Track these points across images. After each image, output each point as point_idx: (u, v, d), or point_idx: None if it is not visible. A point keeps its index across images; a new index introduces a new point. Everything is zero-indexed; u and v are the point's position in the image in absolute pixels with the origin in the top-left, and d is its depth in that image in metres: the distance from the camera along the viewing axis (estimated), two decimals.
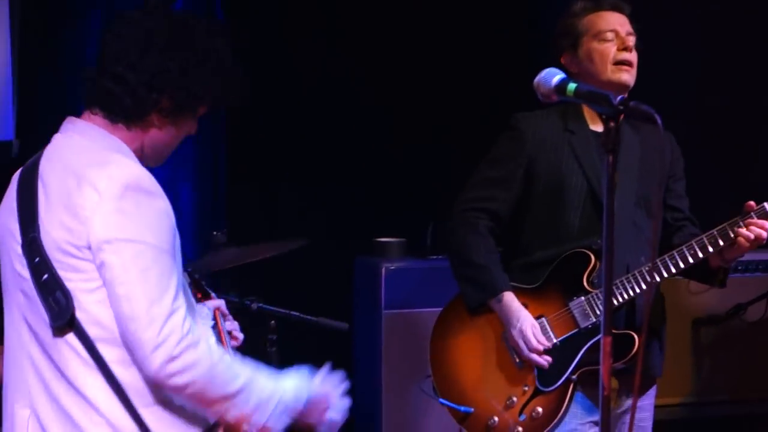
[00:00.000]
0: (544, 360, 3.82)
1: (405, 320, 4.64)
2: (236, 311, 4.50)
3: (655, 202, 3.98)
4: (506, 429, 3.94)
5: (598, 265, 3.95)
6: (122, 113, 2.91)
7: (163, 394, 2.87)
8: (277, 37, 6.22)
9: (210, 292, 3.59)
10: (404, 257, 5.27)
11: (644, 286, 3.83)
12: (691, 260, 3.81)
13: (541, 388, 3.89)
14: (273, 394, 2.94)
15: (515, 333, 3.86)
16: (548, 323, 3.89)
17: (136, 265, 2.80)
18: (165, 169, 5.94)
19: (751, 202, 3.78)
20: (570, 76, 2.96)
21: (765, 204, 3.78)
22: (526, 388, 3.91)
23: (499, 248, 4.11)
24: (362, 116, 5.96)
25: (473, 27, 6.55)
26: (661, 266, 3.86)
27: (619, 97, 2.74)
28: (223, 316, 3.42)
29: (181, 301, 2.86)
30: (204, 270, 4.87)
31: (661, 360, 4.07)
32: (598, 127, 3.97)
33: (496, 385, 3.89)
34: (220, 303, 3.45)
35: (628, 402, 3.92)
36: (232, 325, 3.50)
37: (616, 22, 3.97)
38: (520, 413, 3.91)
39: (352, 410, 4.75)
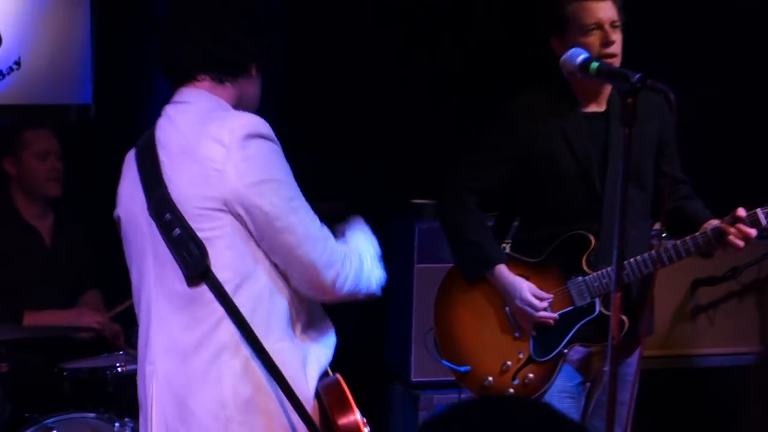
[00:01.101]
0: (551, 319, 3.82)
1: (436, 274, 4.49)
2: None
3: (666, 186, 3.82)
4: (499, 389, 3.90)
5: (596, 246, 3.84)
6: (230, 70, 3.01)
7: (289, 331, 2.98)
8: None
9: None
10: (436, 218, 4.91)
11: (643, 273, 3.79)
12: (684, 256, 3.81)
13: (535, 357, 3.86)
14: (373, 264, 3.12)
15: (519, 302, 3.82)
16: None
17: (282, 199, 2.89)
18: None
19: (740, 210, 3.76)
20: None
21: (758, 211, 3.74)
22: (521, 356, 3.88)
23: (494, 212, 4.17)
24: (396, 83, 5.85)
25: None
26: (664, 257, 3.78)
27: (637, 75, 2.87)
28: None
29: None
30: None
31: (651, 320, 4.05)
32: (589, 109, 3.89)
33: (493, 349, 3.85)
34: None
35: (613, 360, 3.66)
36: None
37: (601, 13, 3.80)
38: (514, 377, 3.90)
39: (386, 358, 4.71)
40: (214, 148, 2.83)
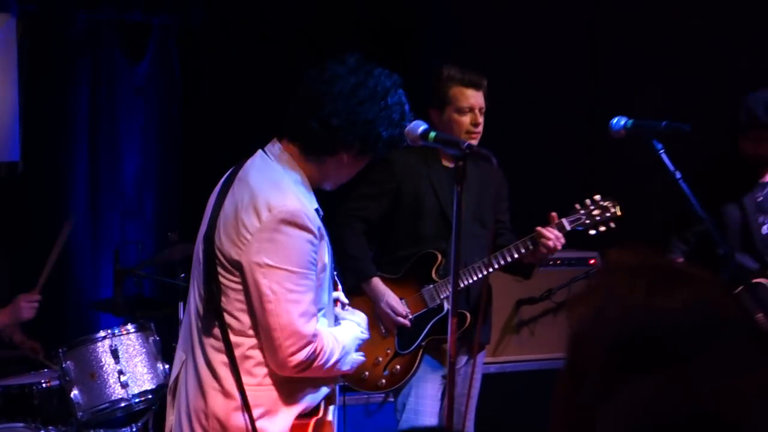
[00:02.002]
0: (408, 322, 3.88)
1: None
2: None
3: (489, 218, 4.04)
4: (374, 380, 3.99)
5: (443, 262, 3.97)
6: (317, 150, 2.88)
7: (265, 379, 2.85)
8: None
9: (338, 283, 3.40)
10: None
11: (479, 276, 3.88)
12: (509, 259, 3.91)
13: (400, 351, 3.96)
14: (349, 353, 2.94)
15: (384, 306, 3.88)
16: (406, 303, 3.95)
17: (281, 287, 2.76)
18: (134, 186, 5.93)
19: (553, 214, 3.91)
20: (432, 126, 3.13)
21: (563, 220, 3.89)
22: (389, 351, 3.96)
23: (372, 247, 4.13)
24: None
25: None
26: (493, 261, 3.88)
27: (465, 144, 2.90)
28: (342, 305, 3.24)
29: (313, 310, 2.83)
30: (160, 261, 5.07)
31: (488, 331, 4.22)
32: (448, 164, 4.00)
33: (368, 349, 3.62)
34: (338, 294, 3.26)
35: (463, 359, 3.97)
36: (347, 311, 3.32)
37: (474, 100, 3.95)
38: (384, 369, 3.97)
39: None
40: (253, 218, 2.76)
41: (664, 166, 3.60)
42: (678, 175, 3.72)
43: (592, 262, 5.10)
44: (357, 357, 3.02)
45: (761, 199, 4.26)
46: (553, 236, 3.85)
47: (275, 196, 2.79)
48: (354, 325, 3.06)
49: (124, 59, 5.80)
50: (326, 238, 2.91)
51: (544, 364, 4.93)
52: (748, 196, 4.25)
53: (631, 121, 3.52)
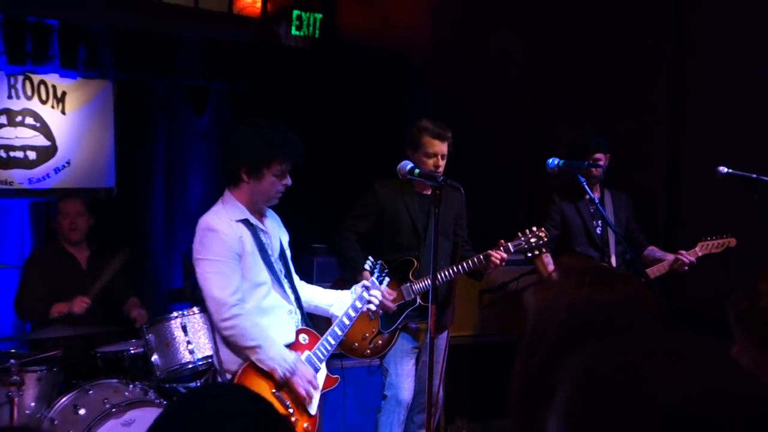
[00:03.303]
0: (394, 307, 3.85)
1: None
2: None
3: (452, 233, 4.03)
4: (362, 351, 3.99)
5: (417, 266, 3.97)
6: (233, 181, 3.11)
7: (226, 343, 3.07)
8: None
9: (375, 273, 3.49)
10: (327, 256, 5.06)
11: (446, 278, 3.86)
12: (467, 269, 3.91)
13: (382, 330, 3.96)
14: (271, 354, 3.02)
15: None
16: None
17: (205, 271, 3.04)
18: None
19: (501, 241, 3.91)
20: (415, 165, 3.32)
21: (509, 244, 3.89)
22: (374, 330, 3.96)
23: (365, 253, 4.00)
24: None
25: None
26: (458, 269, 3.86)
27: (440, 178, 3.09)
28: (366, 288, 3.34)
29: (233, 288, 2.99)
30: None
31: (452, 316, 4.10)
32: (421, 191, 4.03)
33: (357, 327, 3.74)
34: (366, 281, 3.41)
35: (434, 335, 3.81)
36: (373, 294, 3.38)
37: (439, 148, 3.91)
38: (369, 343, 3.97)
39: None
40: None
41: (583, 191, 3.68)
42: (597, 201, 3.81)
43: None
44: (266, 360, 3.02)
45: (593, 210, 4.29)
46: (499, 257, 3.87)
47: (204, 215, 3.11)
48: (286, 354, 3.07)
49: (191, 114, 5.80)
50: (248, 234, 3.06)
51: (500, 338, 4.90)
52: (581, 205, 4.29)
53: (562, 161, 3.60)
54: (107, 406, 3.83)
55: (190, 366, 4.24)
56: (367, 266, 3.59)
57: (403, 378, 4.02)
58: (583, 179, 3.58)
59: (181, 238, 5.74)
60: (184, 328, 4.22)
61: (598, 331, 1.05)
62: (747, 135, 4.50)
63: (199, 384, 4.35)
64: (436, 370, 3.69)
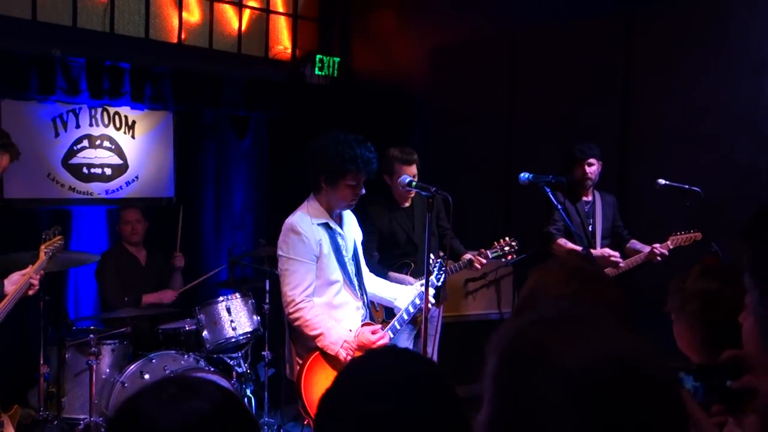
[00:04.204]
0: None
1: None
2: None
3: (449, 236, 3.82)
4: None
5: (414, 267, 3.89)
6: (315, 187, 2.94)
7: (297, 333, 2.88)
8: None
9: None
10: None
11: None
12: (456, 271, 3.86)
13: (386, 319, 3.65)
14: (334, 339, 2.81)
15: None
16: None
17: (284, 267, 2.85)
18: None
19: (482, 249, 3.82)
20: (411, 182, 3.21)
21: (487, 252, 3.80)
22: (379, 319, 3.62)
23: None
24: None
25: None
26: (449, 271, 3.71)
27: (433, 188, 2.92)
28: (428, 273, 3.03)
29: (304, 286, 2.76)
30: (254, 256, 5.00)
31: (445, 293, 4.05)
32: (404, 205, 3.94)
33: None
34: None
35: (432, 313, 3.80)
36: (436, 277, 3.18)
37: (409, 171, 3.79)
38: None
39: None
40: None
41: (550, 201, 3.68)
42: (560, 207, 3.80)
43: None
44: (330, 345, 2.82)
45: (587, 209, 4.30)
46: (480, 263, 3.81)
47: (290, 216, 2.90)
48: (347, 336, 2.85)
49: (234, 138, 5.79)
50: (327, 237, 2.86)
51: (480, 316, 4.90)
52: (578, 206, 4.29)
53: (531, 175, 3.57)
54: (167, 372, 3.85)
55: (233, 340, 4.26)
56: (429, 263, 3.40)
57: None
58: (548, 190, 3.58)
59: (226, 237, 5.76)
60: (228, 310, 4.24)
61: (566, 322, 1.03)
62: (682, 153, 4.49)
63: (240, 354, 4.36)
64: (430, 342, 3.69)
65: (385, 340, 2.94)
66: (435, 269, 3.29)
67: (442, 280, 3.31)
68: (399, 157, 3.84)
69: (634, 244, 4.34)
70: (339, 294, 2.94)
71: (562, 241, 4.18)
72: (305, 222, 2.83)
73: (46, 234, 3.23)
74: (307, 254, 2.80)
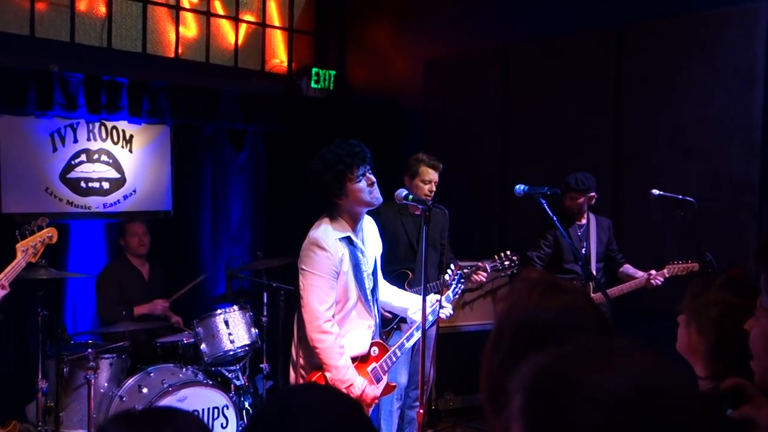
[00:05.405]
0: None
1: None
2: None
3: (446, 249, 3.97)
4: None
5: (412, 277, 3.92)
6: (331, 207, 2.85)
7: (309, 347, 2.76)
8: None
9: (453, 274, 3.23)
10: None
11: (437, 289, 3.74)
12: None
13: (383, 328, 3.67)
14: (344, 379, 2.74)
15: None
16: None
17: (307, 282, 2.75)
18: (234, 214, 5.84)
19: (480, 263, 3.88)
20: (409, 191, 3.13)
21: (486, 264, 3.85)
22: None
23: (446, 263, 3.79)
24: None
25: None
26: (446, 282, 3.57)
27: (430, 202, 3.09)
28: (440, 303, 2.98)
29: (329, 303, 2.69)
30: (251, 269, 4.95)
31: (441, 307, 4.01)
32: (414, 212, 3.99)
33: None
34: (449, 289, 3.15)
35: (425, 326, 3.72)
36: (444, 306, 3.06)
37: (432, 176, 3.89)
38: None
39: None
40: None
41: (546, 213, 3.67)
42: (555, 218, 3.80)
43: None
44: (338, 383, 2.72)
45: (580, 233, 4.31)
46: (479, 276, 3.88)
47: (312, 229, 2.82)
48: (357, 381, 2.78)
49: (231, 150, 5.75)
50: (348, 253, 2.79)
51: (478, 327, 4.87)
52: (571, 230, 4.28)
53: (527, 187, 3.53)
54: (165, 385, 3.83)
55: (231, 353, 4.24)
56: (447, 276, 3.37)
57: (399, 365, 3.85)
58: (544, 201, 3.57)
59: (224, 250, 5.74)
60: (227, 323, 4.22)
61: (542, 333, 1.04)
62: (674, 164, 4.50)
63: (238, 367, 4.34)
64: (428, 354, 3.62)
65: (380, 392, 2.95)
66: (454, 282, 3.26)
67: (458, 293, 3.29)
68: (426, 161, 3.91)
69: (628, 269, 4.33)
70: (352, 312, 2.88)
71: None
72: (329, 237, 2.78)
73: (24, 229, 2.96)
74: (330, 271, 2.75)
